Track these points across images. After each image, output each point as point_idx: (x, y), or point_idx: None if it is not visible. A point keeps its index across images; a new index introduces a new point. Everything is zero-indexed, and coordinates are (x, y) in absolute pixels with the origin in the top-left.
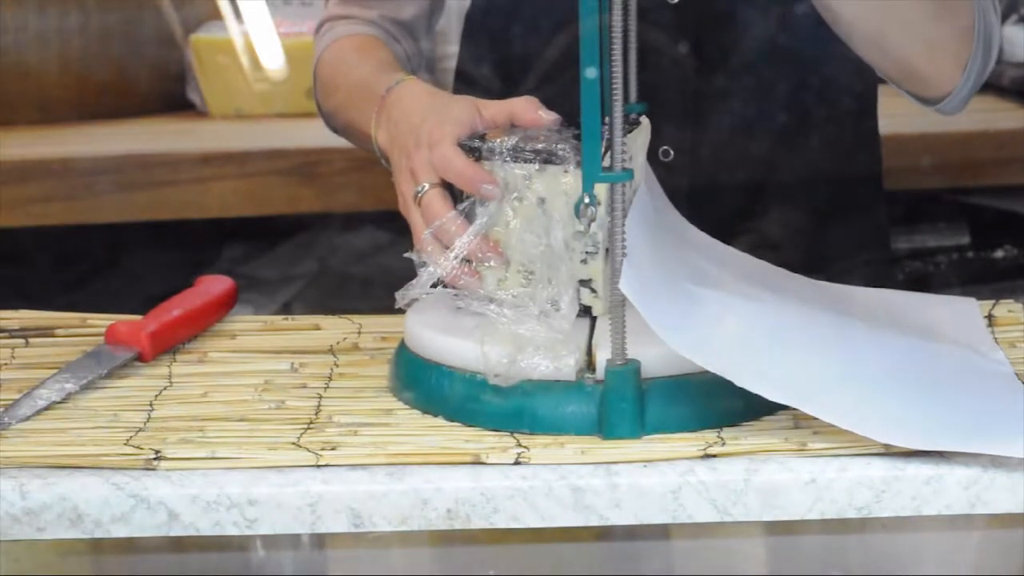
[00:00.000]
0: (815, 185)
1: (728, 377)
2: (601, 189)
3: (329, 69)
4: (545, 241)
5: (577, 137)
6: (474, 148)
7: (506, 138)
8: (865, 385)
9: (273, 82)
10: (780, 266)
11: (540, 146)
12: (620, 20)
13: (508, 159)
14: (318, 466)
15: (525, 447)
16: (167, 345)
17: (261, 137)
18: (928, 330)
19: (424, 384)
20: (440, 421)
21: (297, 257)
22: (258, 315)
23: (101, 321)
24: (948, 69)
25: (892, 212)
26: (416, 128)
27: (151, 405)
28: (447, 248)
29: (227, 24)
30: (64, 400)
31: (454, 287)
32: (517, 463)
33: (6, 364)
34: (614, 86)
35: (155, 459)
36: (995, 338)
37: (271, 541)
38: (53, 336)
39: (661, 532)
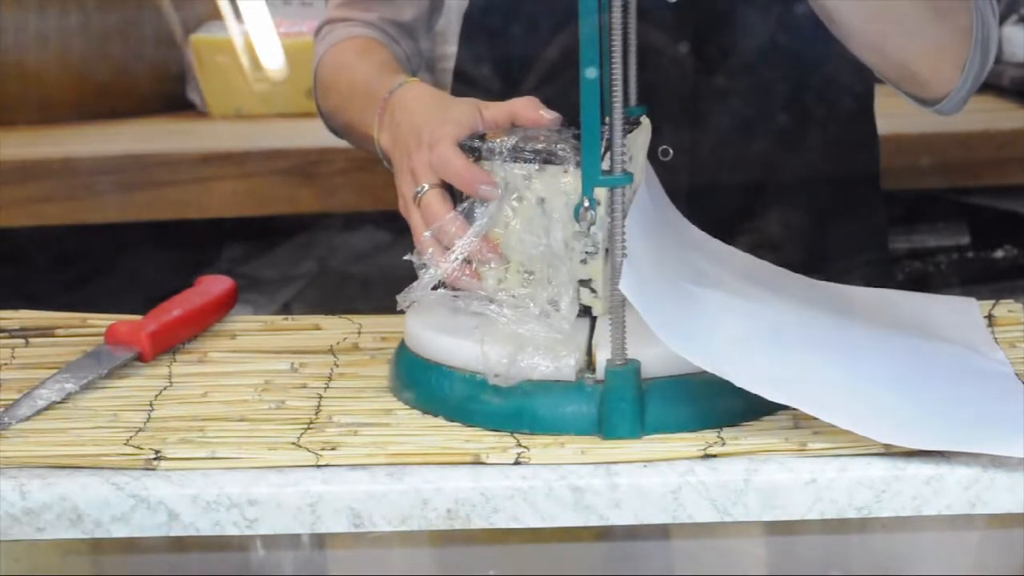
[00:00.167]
0: (814, 185)
1: (728, 377)
2: (601, 191)
3: (330, 71)
4: (545, 241)
5: (577, 137)
6: (474, 148)
7: (506, 138)
8: (865, 385)
9: (273, 82)
10: (780, 266)
11: (540, 146)
12: (620, 20)
13: (508, 159)
14: (318, 466)
15: (525, 447)
16: (167, 345)
17: (261, 137)
18: (928, 330)
19: (424, 384)
20: (440, 421)
21: (297, 257)
22: (258, 315)
23: (101, 321)
24: (946, 70)
25: (891, 212)
26: (417, 129)
27: (151, 405)
28: (447, 249)
29: (227, 24)
30: (64, 400)
31: (454, 288)
32: (517, 463)
33: (6, 364)
34: (614, 86)
35: (155, 459)
36: (995, 338)
37: (271, 541)
38: (53, 336)
39: (661, 532)
